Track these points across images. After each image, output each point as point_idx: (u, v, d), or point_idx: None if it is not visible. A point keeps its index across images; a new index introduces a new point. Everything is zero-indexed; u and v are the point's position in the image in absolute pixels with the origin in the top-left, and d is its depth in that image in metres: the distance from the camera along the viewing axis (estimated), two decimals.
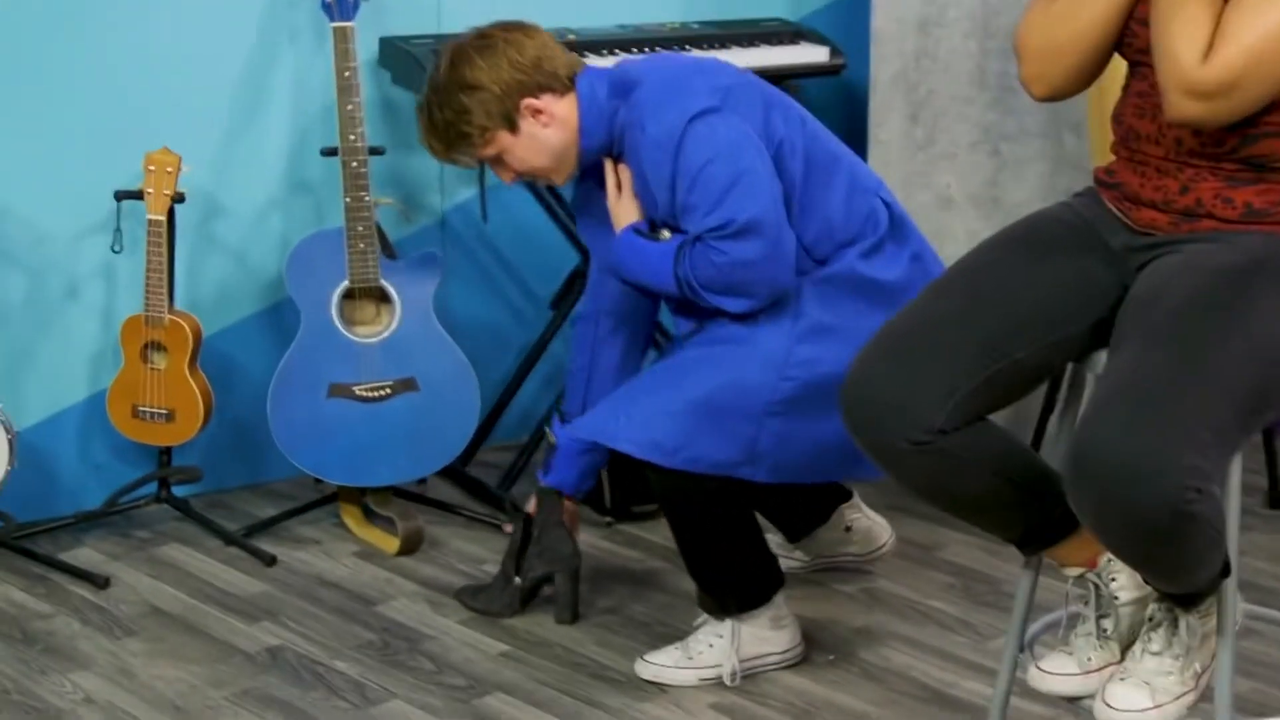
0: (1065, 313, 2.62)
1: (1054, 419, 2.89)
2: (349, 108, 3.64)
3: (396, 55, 3.85)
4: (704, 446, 3.00)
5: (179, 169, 3.59)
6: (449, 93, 3.07)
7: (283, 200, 3.97)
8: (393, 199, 3.85)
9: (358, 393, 3.71)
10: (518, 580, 3.37)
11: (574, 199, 3.28)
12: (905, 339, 2.57)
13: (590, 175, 3.19)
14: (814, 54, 3.98)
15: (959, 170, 3.80)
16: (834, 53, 3.99)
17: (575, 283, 4.06)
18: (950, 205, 3.82)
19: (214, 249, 3.92)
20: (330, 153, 3.72)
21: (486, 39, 3.09)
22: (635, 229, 3.07)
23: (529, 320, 4.29)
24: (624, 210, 3.10)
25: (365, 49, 3.80)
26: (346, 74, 3.64)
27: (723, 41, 3.91)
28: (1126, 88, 2.70)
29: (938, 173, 3.81)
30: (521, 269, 4.29)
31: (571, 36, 3.89)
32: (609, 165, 3.11)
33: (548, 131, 3.08)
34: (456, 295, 4.16)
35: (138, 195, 3.62)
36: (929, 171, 3.81)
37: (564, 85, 3.09)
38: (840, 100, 4.32)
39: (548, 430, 3.36)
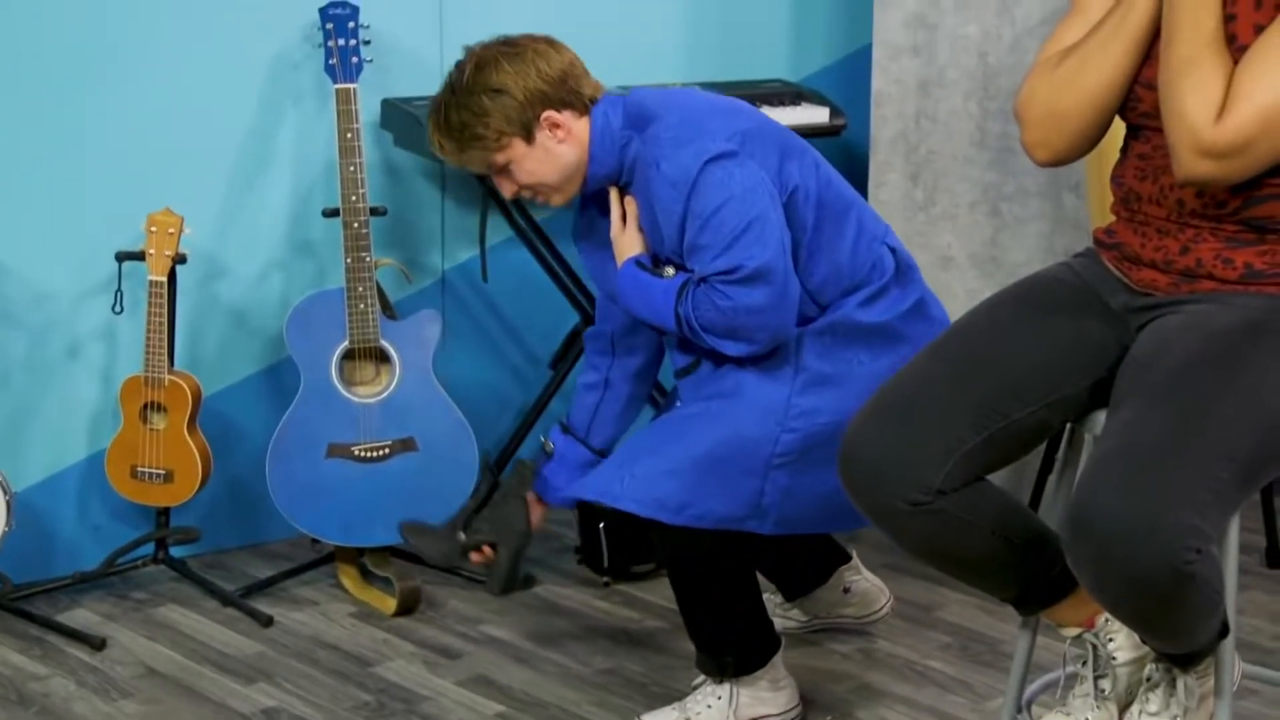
0: (1064, 373, 2.62)
1: (1052, 479, 2.89)
2: (351, 169, 3.65)
3: (398, 117, 3.87)
4: (709, 502, 3.00)
5: (181, 230, 3.60)
6: (471, 94, 3.03)
7: (284, 261, 3.98)
8: (393, 260, 3.86)
9: (356, 453, 3.71)
10: (462, 536, 3.29)
11: (575, 226, 3.27)
12: (903, 400, 2.58)
13: (593, 202, 3.19)
14: (815, 115, 3.99)
15: (959, 230, 3.81)
16: (834, 113, 4.00)
17: (574, 343, 4.06)
18: (951, 265, 3.83)
19: (215, 309, 3.93)
20: (332, 213, 3.73)
21: (515, 47, 3.07)
22: (638, 262, 3.06)
23: (528, 380, 4.30)
24: (628, 242, 3.08)
25: (368, 110, 3.81)
26: (349, 135, 3.65)
27: None
28: (1126, 150, 2.71)
29: (938, 233, 3.82)
30: (521, 329, 4.30)
31: None
32: (615, 195, 3.10)
33: (562, 148, 3.06)
34: (456, 355, 4.17)
35: (139, 256, 3.63)
36: (929, 231, 3.82)
37: (584, 106, 3.07)
38: (841, 160, 4.33)
39: (545, 439, 3.35)
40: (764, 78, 4.21)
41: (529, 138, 3.05)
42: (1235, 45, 2.49)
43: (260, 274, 3.97)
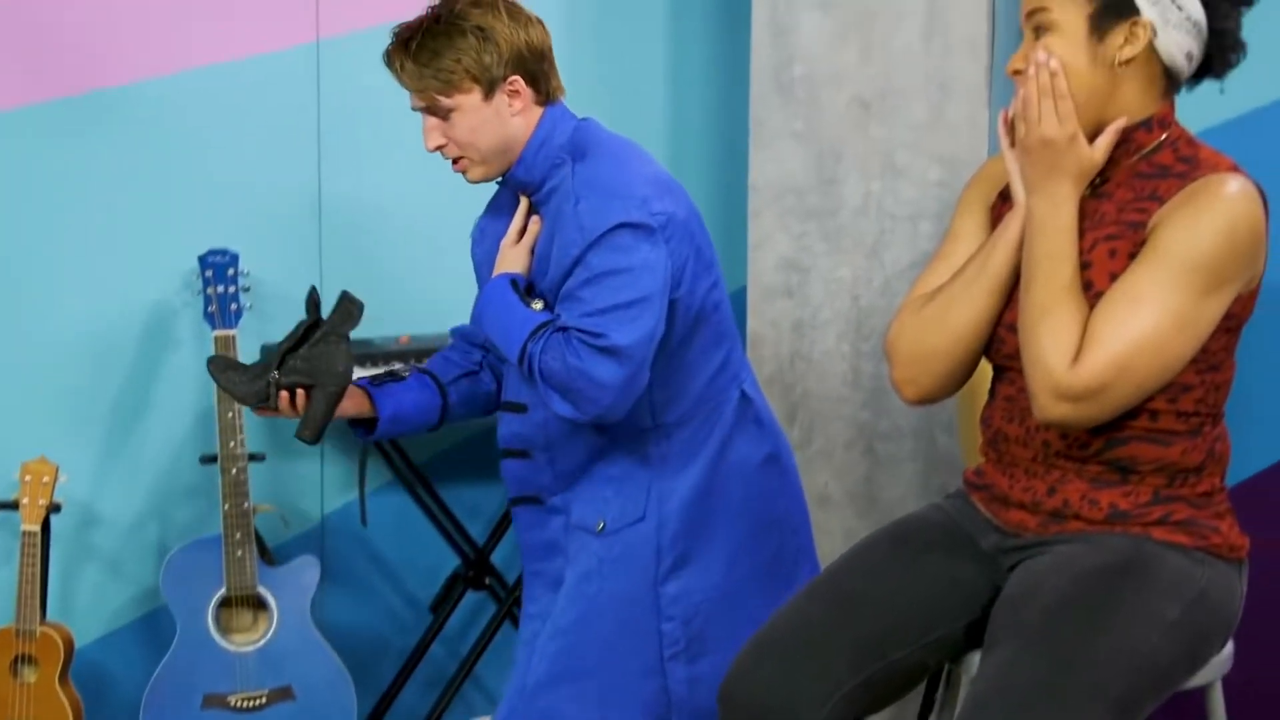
0: (939, 614, 2.65)
1: (932, 719, 2.89)
2: (229, 415, 3.66)
3: None
4: (620, 716, 2.96)
5: (56, 478, 3.58)
6: (456, 25, 2.89)
7: (160, 508, 3.95)
8: (272, 505, 3.84)
9: (232, 703, 3.66)
10: (275, 374, 3.00)
11: (485, 213, 3.17)
12: (782, 641, 2.59)
13: (510, 198, 3.09)
14: None
15: (835, 469, 3.85)
16: None
17: (455, 586, 4.04)
18: (828, 503, 3.86)
19: (89, 558, 3.88)
20: (210, 460, 3.72)
21: (515, 7, 2.96)
22: (513, 281, 2.94)
23: (408, 625, 4.26)
24: (513, 258, 2.98)
25: (246, 355, 3.82)
26: None
27: None
28: (994, 391, 2.76)
29: (815, 471, 3.86)
30: (401, 573, 4.27)
31: (405, 338, 3.92)
32: (524, 207, 3.01)
33: (512, 121, 2.94)
34: (335, 600, 4.13)
35: (13, 506, 3.59)
36: (807, 470, 3.86)
37: (544, 95, 2.97)
38: None
39: (402, 367, 3.21)
40: None
41: (489, 93, 2.91)
42: (1091, 292, 2.56)
43: (136, 521, 3.93)
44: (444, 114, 2.92)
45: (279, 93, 3.90)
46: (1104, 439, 2.60)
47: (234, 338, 3.69)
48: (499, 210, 3.12)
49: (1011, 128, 2.64)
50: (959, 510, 2.78)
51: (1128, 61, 2.58)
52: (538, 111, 2.96)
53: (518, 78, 2.92)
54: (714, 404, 3.04)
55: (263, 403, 2.99)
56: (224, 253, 3.73)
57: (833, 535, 3.85)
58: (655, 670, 2.98)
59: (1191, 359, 2.55)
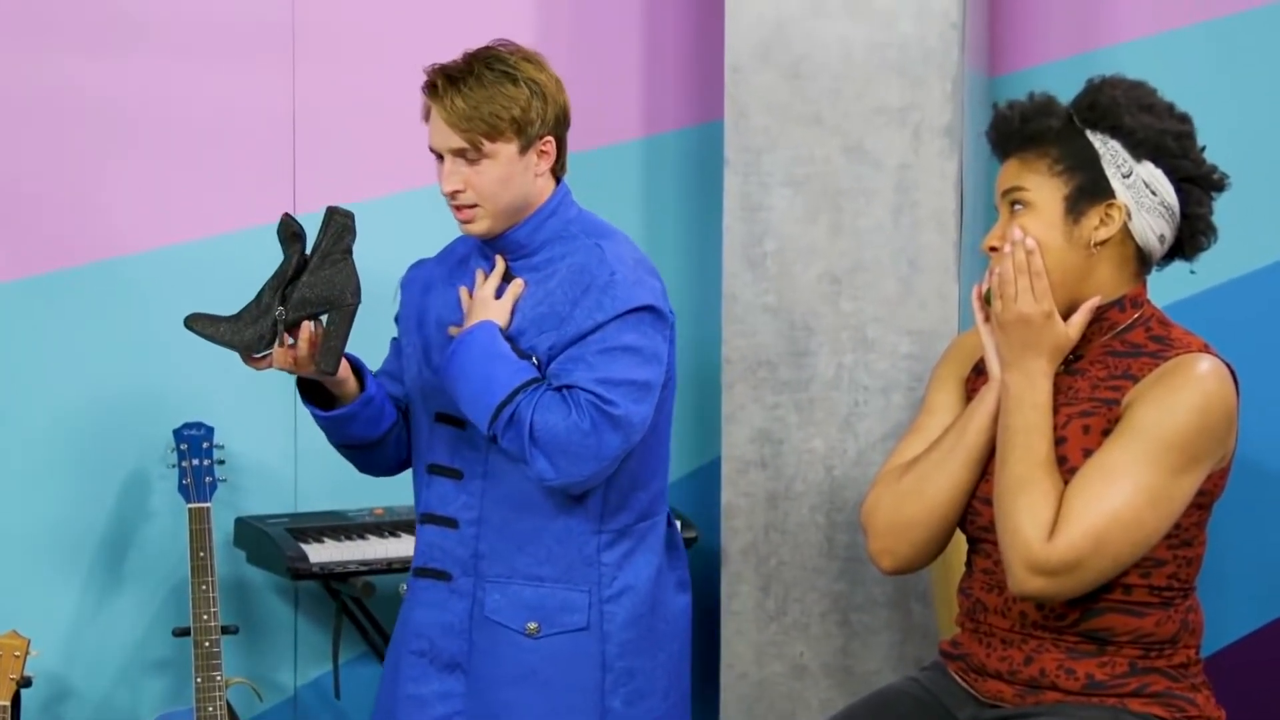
0: None
1: None
2: (202, 587, 3.65)
3: (252, 535, 3.87)
4: None
5: (26, 652, 3.54)
6: (511, 73, 2.85)
7: (133, 681, 3.92)
8: (244, 678, 3.81)
9: None
10: (280, 311, 2.82)
11: (447, 256, 3.09)
12: None
13: (477, 254, 3.01)
14: None
15: (811, 640, 3.85)
16: (685, 525, 4.06)
17: None
18: (804, 674, 3.85)
19: None
20: (182, 633, 3.71)
21: (553, 71, 2.93)
22: (499, 329, 2.87)
23: None
24: (496, 310, 2.89)
25: (220, 528, 3.82)
26: (201, 554, 3.66)
27: None
28: (971, 564, 2.78)
29: (791, 642, 3.86)
30: None
31: (380, 509, 3.93)
32: (501, 264, 2.93)
33: (535, 180, 2.90)
34: None
35: None
36: (783, 641, 3.86)
37: (559, 167, 2.95)
38: (693, 572, 4.36)
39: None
40: None
41: (525, 149, 2.87)
42: (1066, 467, 2.59)
43: (108, 695, 3.90)
44: (475, 159, 2.85)
45: (258, 267, 3.92)
46: (1080, 610, 2.62)
47: (209, 510, 3.69)
48: (458, 262, 3.04)
49: (985, 302, 2.69)
50: (935, 682, 2.79)
51: (1102, 243, 2.64)
52: (551, 181, 2.94)
53: (552, 140, 2.90)
54: (652, 522, 3.01)
55: (267, 347, 2.80)
56: (199, 426, 3.74)
57: (809, 707, 3.84)
58: None
59: (1165, 535, 2.57)
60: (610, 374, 2.81)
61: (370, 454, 3.05)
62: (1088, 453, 2.59)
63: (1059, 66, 3.98)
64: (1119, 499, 2.51)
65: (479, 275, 2.95)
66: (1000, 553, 2.61)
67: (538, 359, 2.86)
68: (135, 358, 3.86)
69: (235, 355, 2.87)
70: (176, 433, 3.75)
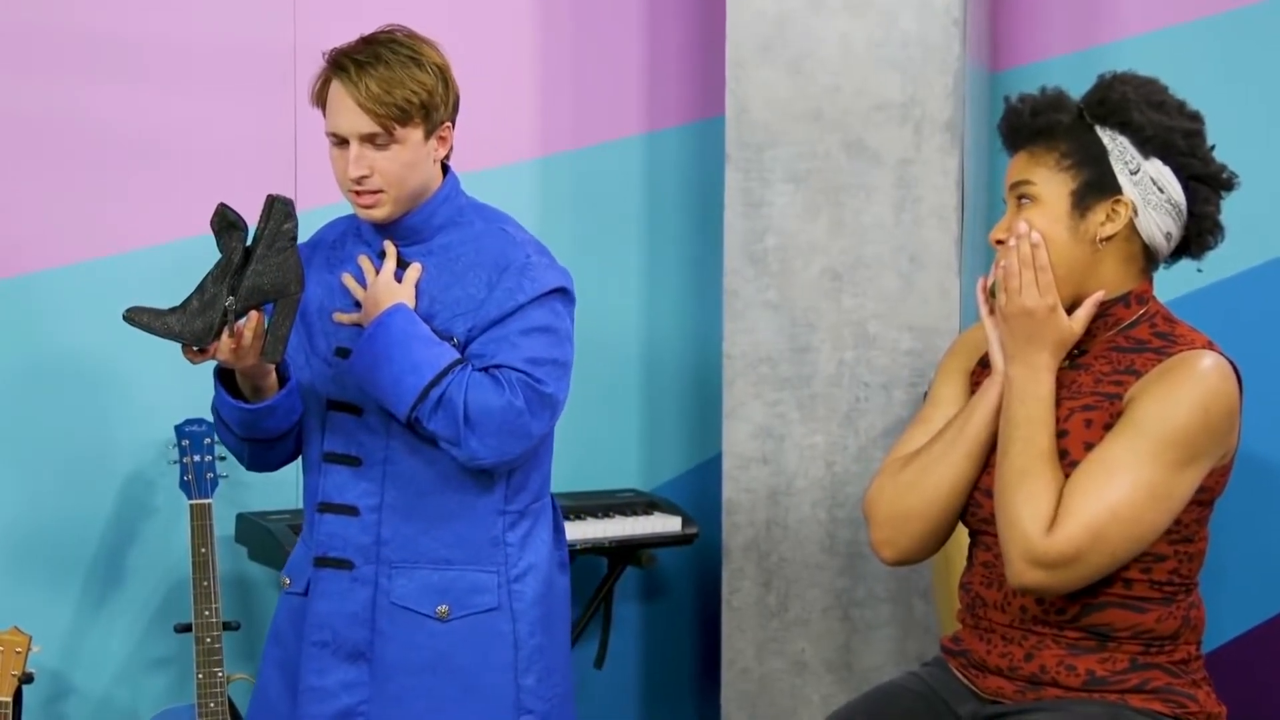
0: None
1: None
2: (204, 584, 3.64)
3: (254, 531, 3.86)
4: None
5: (28, 649, 3.53)
6: (415, 58, 2.80)
7: (134, 677, 3.91)
8: (246, 674, 3.80)
9: None
10: (230, 300, 2.74)
11: (323, 240, 3.02)
12: None
13: (355, 239, 2.96)
14: (667, 524, 4.04)
15: (812, 636, 3.84)
16: (686, 522, 4.06)
17: None
18: (805, 670, 3.84)
19: None
20: (184, 629, 3.69)
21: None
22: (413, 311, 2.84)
23: None
24: (402, 293, 2.84)
25: (222, 525, 3.80)
26: (202, 551, 3.64)
27: (578, 513, 3.97)
28: (972, 557, 2.78)
29: (792, 639, 3.85)
30: None
31: None
32: (392, 249, 2.88)
33: (432, 167, 2.86)
34: None
35: None
36: (784, 637, 3.85)
37: (448, 154, 2.91)
38: (694, 568, 4.38)
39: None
40: (616, 488, 4.27)
41: (429, 135, 2.83)
42: (1067, 460, 2.58)
43: (109, 691, 3.89)
44: (384, 144, 2.81)
45: None
46: (1080, 604, 2.62)
47: (210, 507, 3.67)
48: (330, 248, 2.99)
49: (990, 295, 2.68)
50: (936, 678, 2.78)
51: (1108, 238, 2.63)
52: (440, 168, 2.91)
53: (450, 126, 2.88)
54: (544, 502, 3.00)
55: (215, 338, 2.74)
56: (200, 422, 3.73)
57: (810, 703, 3.83)
58: None
59: (1165, 530, 2.56)
60: (536, 353, 2.82)
61: (273, 448, 2.99)
62: (1089, 446, 2.58)
63: (1061, 62, 3.98)
64: (1119, 494, 2.50)
65: (364, 262, 2.91)
66: (1000, 545, 2.59)
67: (457, 340, 2.85)
68: (137, 354, 3.84)
69: None
70: (178, 429, 3.74)
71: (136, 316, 2.73)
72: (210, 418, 3.72)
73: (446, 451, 2.82)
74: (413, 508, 2.89)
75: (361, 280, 2.90)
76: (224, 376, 2.92)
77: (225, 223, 2.77)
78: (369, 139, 2.80)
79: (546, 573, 2.96)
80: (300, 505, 3.98)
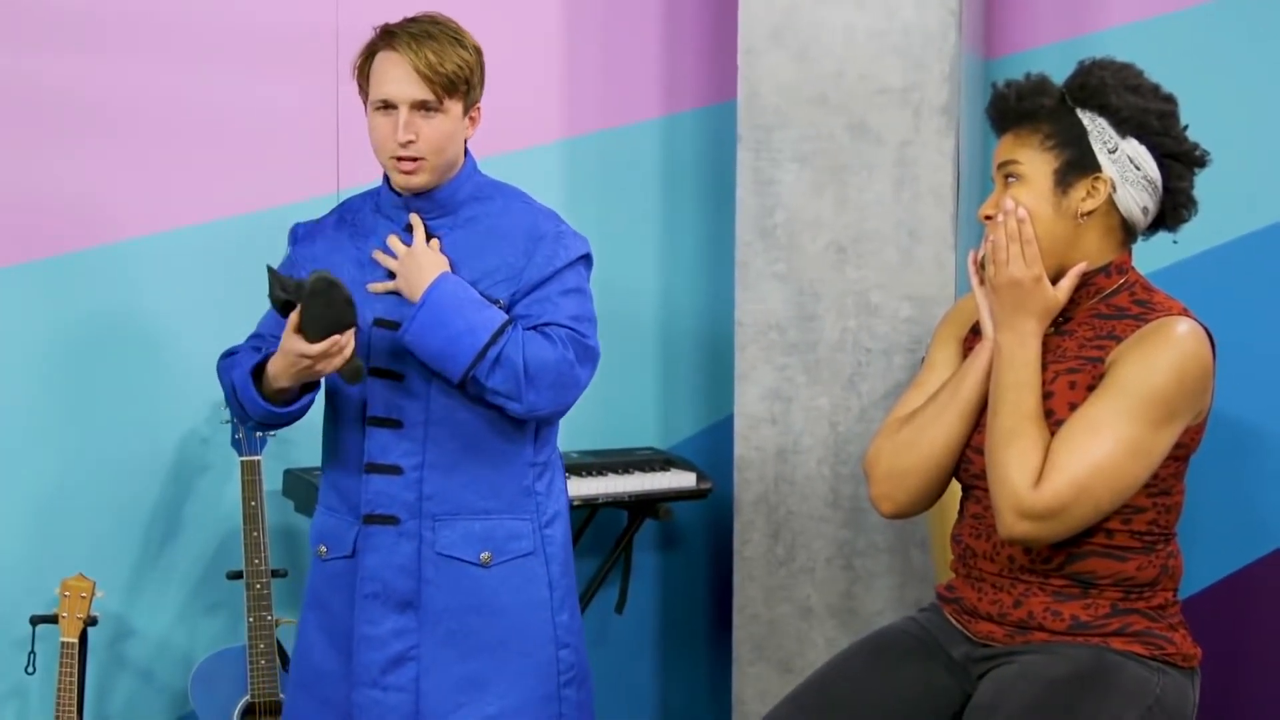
0: (915, 718, 2.66)
1: None
2: (254, 534, 3.67)
3: (299, 485, 3.89)
4: None
5: (93, 594, 3.58)
6: (459, 38, 2.86)
7: (189, 620, 3.95)
8: (293, 619, 3.83)
9: None
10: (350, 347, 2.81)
11: (347, 212, 3.04)
12: None
13: (381, 211, 2.98)
14: (683, 479, 4.06)
15: (817, 583, 3.87)
16: (701, 478, 4.08)
17: None
18: (810, 615, 3.87)
19: (123, 668, 3.87)
20: (235, 576, 3.73)
21: None
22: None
23: None
24: (441, 262, 2.88)
25: (270, 479, 3.84)
26: (253, 504, 3.68)
27: (600, 469, 3.99)
28: (963, 510, 2.80)
29: (799, 585, 3.88)
30: None
31: None
32: (418, 221, 2.92)
33: (462, 144, 2.92)
34: None
35: (53, 619, 3.59)
36: (790, 585, 3.88)
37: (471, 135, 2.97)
38: (708, 520, 4.40)
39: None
40: (636, 446, 4.29)
41: (466, 110, 2.89)
42: (1052, 420, 2.61)
43: (167, 633, 3.93)
44: (432, 113, 2.84)
45: None
46: (1064, 554, 2.63)
47: (259, 463, 3.71)
48: (352, 223, 2.99)
49: (980, 267, 2.70)
50: (932, 622, 2.80)
51: (1089, 213, 2.65)
52: (463, 146, 2.95)
53: (479, 108, 2.94)
54: (557, 452, 3.05)
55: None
56: None
57: (815, 645, 3.85)
58: (553, 696, 2.96)
59: (1145, 484, 2.58)
60: (576, 311, 2.90)
61: (281, 426, 3.06)
62: (1073, 407, 2.60)
63: (1051, 50, 3.97)
64: (1101, 450, 2.52)
65: (394, 240, 2.92)
66: (990, 499, 2.62)
67: (502, 303, 2.89)
68: (193, 322, 3.88)
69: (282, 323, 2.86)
70: None
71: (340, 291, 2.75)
72: None
73: (503, 407, 2.86)
74: (452, 464, 2.92)
75: (389, 253, 2.94)
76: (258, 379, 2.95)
77: (295, 285, 2.77)
78: (420, 105, 2.83)
79: (566, 518, 3.03)
80: None
